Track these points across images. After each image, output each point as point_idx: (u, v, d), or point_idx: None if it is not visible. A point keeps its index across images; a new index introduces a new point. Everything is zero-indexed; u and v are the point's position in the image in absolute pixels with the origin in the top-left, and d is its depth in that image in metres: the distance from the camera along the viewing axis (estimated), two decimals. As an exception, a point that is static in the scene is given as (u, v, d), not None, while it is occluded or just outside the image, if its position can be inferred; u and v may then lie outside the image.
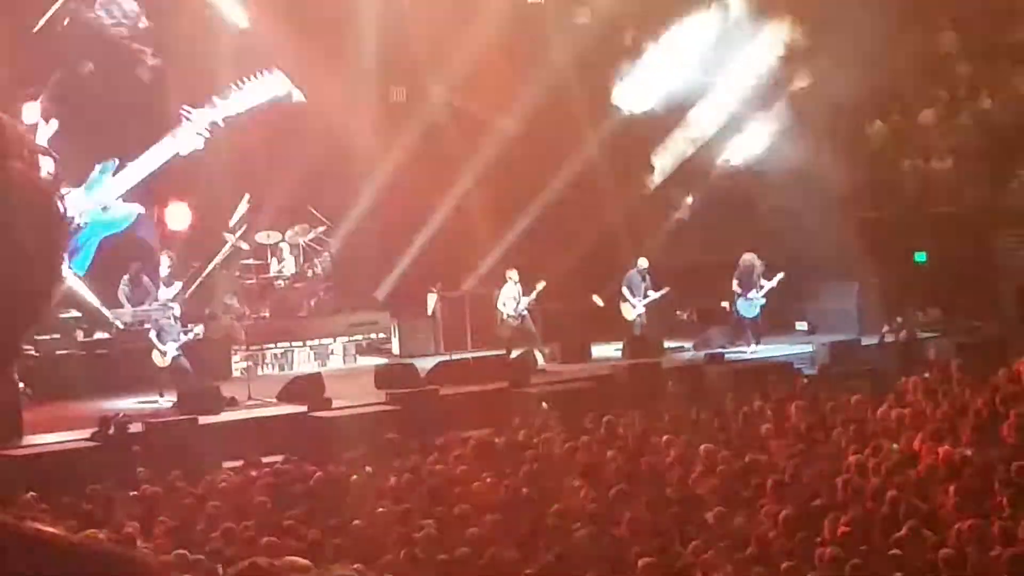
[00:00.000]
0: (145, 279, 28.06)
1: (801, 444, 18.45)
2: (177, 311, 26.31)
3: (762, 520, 14.75)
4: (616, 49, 31.48)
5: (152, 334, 25.47)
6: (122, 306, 27.64)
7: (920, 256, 30.40)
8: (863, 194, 31.20)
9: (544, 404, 22.48)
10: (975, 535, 12.98)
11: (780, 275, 28.51)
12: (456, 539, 14.37)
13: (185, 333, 25.67)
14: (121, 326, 27.14)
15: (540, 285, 28.01)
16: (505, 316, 28.16)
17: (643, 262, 29.55)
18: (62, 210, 2.44)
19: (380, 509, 15.94)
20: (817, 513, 14.61)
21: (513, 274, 28.20)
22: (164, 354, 25.09)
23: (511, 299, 28.05)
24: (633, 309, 29.22)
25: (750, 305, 28.84)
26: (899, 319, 28.75)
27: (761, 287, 28.77)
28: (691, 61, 30.75)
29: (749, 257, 29.02)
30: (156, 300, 27.71)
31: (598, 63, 31.05)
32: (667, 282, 29.50)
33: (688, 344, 29.07)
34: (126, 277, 27.92)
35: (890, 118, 32.71)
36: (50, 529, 2.05)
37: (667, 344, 28.86)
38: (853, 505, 14.92)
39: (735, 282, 28.91)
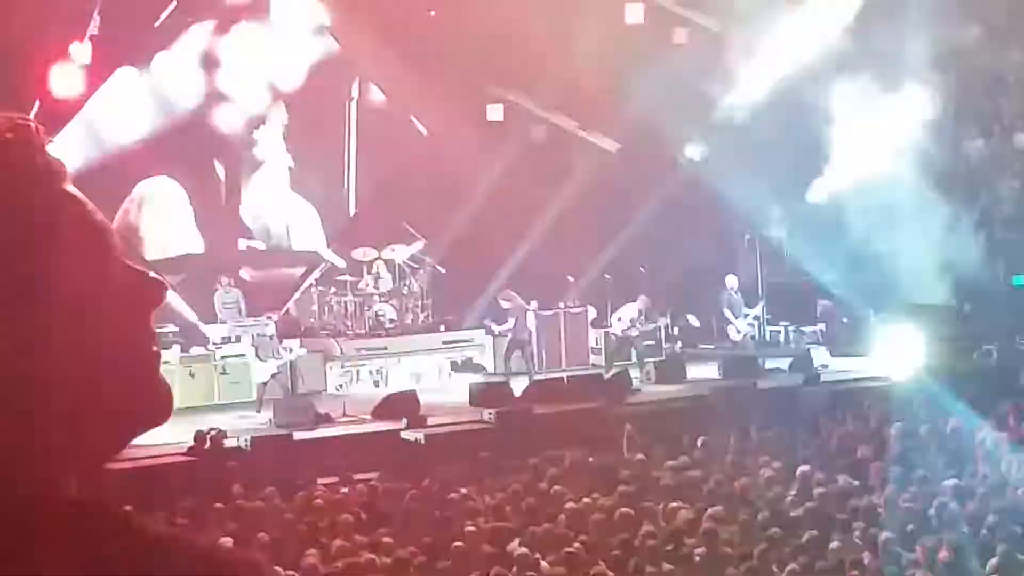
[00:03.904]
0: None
1: (897, 467, 18.32)
2: (273, 327, 26.45)
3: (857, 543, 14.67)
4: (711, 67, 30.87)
5: (249, 350, 25.62)
6: (215, 320, 27.85)
7: (1019, 279, 29.79)
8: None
9: (628, 426, 22.23)
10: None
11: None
12: (552, 559, 14.36)
13: (282, 349, 25.84)
14: (218, 341, 27.26)
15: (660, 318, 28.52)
16: (612, 332, 28.16)
17: (732, 280, 29.41)
18: None
19: (471, 528, 15.96)
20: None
21: (644, 300, 28.25)
22: (261, 371, 25.23)
23: (628, 320, 27.96)
24: (737, 330, 29.09)
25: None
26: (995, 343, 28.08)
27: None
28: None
29: None
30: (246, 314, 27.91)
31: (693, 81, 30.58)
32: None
33: (785, 364, 28.65)
34: (220, 289, 28.17)
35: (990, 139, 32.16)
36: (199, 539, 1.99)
37: (767, 365, 28.43)
38: (949, 530, 14.80)
39: None
